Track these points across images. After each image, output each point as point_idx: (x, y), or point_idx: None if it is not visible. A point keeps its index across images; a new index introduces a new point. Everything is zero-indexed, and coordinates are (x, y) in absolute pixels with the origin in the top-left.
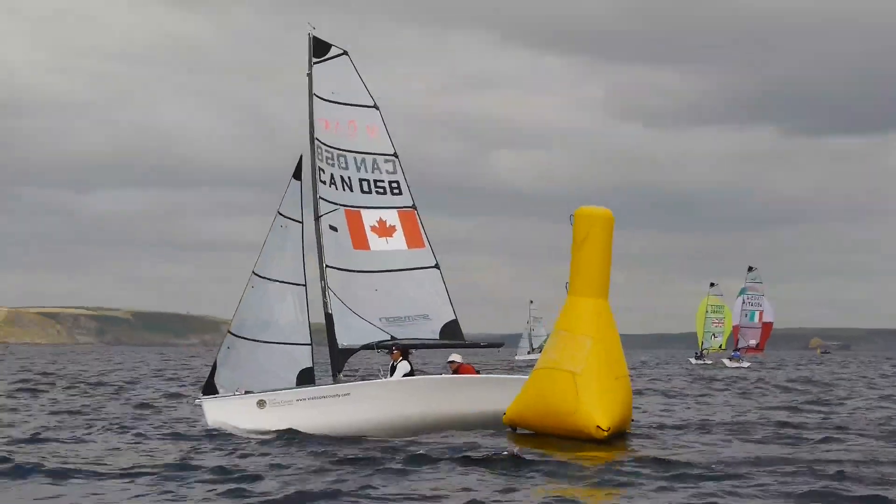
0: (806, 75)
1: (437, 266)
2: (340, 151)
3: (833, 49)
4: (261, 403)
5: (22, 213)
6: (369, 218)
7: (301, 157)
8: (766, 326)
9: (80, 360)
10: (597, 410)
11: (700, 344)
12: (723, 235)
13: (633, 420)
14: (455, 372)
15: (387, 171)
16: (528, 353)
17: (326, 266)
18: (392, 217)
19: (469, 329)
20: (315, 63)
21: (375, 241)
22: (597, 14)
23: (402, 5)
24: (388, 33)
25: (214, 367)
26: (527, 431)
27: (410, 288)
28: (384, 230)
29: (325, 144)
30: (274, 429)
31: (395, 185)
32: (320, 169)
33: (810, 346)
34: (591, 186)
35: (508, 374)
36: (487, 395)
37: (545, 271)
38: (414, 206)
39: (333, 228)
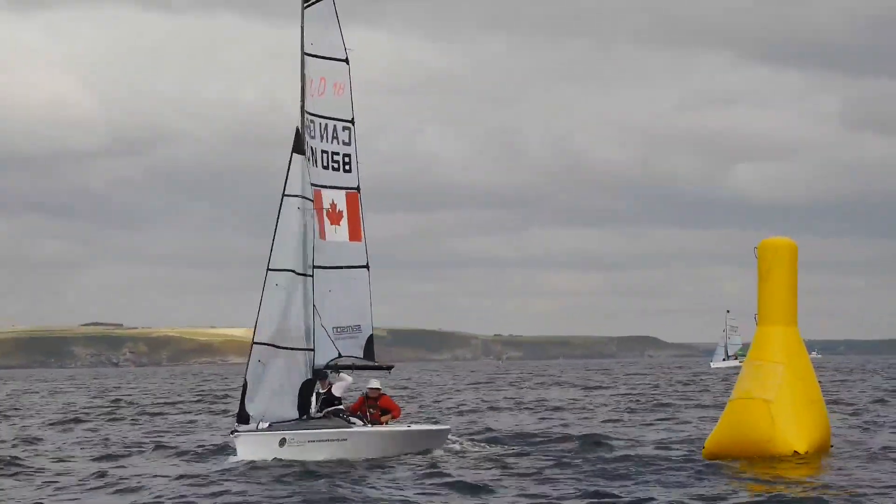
0: None
1: (367, 266)
2: (311, 117)
3: None
4: (282, 442)
5: None
6: (326, 199)
7: (297, 129)
8: None
9: None
10: (793, 436)
11: None
12: None
13: (832, 446)
14: (376, 400)
15: (343, 142)
16: (724, 360)
17: (315, 267)
18: (341, 200)
19: (705, 338)
20: (305, 7)
21: (328, 229)
22: (831, 28)
23: (641, 28)
24: (627, 55)
25: (245, 388)
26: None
27: (351, 291)
28: (334, 216)
29: (311, 114)
30: (291, 461)
31: (347, 159)
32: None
33: None
34: (828, 195)
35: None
36: (430, 442)
37: None
38: (358, 188)
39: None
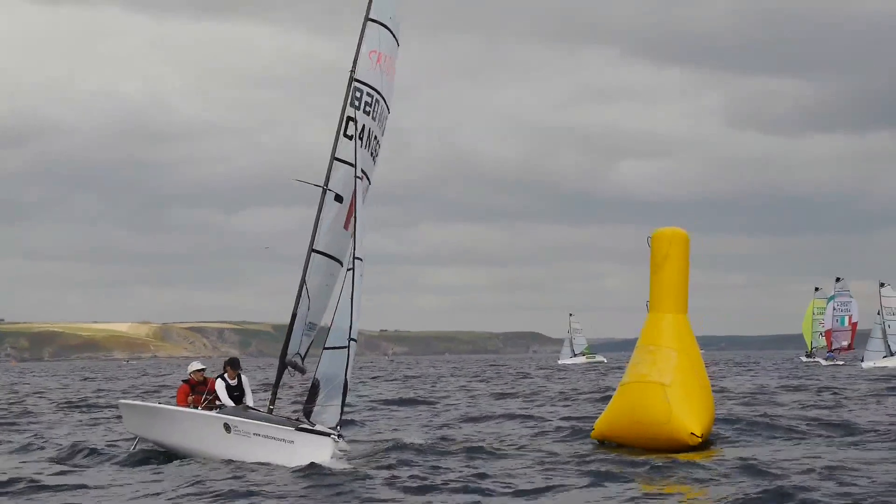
0: None
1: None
2: (365, 87)
3: None
4: (227, 428)
5: (172, 233)
6: (361, 189)
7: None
8: (854, 326)
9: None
10: (689, 419)
11: (809, 344)
12: (841, 237)
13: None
14: (206, 383)
15: (383, 131)
16: (571, 357)
17: (322, 253)
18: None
19: (588, 333)
20: None
21: (350, 220)
22: (715, 26)
23: (527, 24)
24: (513, 51)
25: (346, 389)
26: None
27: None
28: (353, 210)
29: (365, 84)
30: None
31: (378, 150)
32: (349, 119)
33: None
34: (712, 193)
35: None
36: None
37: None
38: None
39: (339, 199)
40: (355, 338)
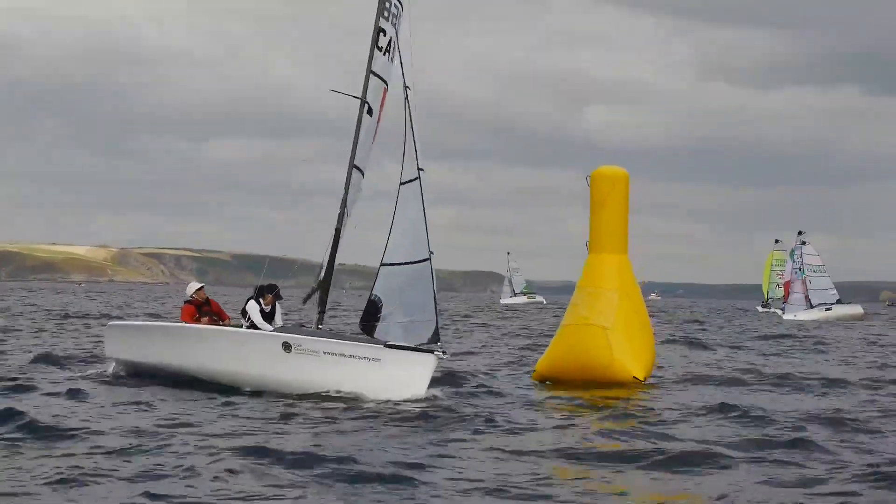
0: (890, 38)
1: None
2: (401, 9)
3: None
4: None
5: (137, 159)
6: (411, 100)
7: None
8: None
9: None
10: (630, 362)
11: (766, 294)
12: (804, 190)
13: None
14: (209, 304)
15: (397, 49)
16: (511, 297)
17: (354, 167)
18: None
19: (547, 275)
20: None
21: (377, 134)
22: None
23: None
24: None
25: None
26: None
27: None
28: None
29: None
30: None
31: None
32: (381, 31)
33: (880, 299)
34: (679, 142)
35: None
36: None
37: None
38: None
39: (370, 112)
40: (433, 251)
